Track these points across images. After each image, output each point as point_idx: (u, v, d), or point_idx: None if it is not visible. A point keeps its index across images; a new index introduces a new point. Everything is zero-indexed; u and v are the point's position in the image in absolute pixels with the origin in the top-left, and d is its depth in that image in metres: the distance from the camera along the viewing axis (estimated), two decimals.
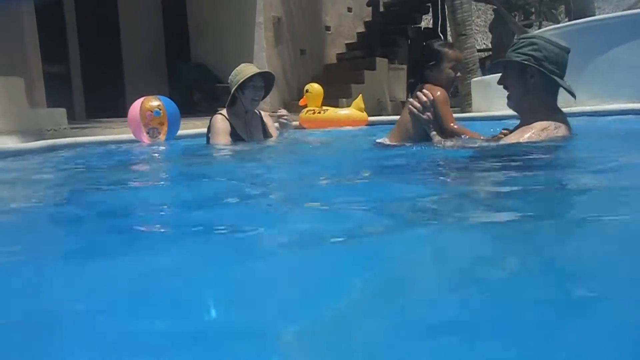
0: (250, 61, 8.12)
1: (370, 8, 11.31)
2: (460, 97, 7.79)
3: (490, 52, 12.41)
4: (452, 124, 2.64)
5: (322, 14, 10.38)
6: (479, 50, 10.15)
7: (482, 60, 9.90)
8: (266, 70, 4.05)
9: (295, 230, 1.31)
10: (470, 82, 7.37)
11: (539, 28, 12.89)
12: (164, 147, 4.07)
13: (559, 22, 18.07)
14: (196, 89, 9.73)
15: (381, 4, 11.74)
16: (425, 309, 0.81)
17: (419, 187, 1.86)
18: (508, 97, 2.37)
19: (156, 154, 3.92)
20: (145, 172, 3.14)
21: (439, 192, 1.77)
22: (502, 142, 2.37)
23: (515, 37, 11.99)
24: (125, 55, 10.22)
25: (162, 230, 1.49)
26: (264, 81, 3.73)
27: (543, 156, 2.11)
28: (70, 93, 9.22)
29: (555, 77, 2.20)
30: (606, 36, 4.96)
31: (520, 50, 2.24)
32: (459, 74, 2.80)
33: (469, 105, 7.42)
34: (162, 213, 1.73)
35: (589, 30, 5.04)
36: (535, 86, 2.24)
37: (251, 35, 8.92)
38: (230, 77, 3.72)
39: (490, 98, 5.82)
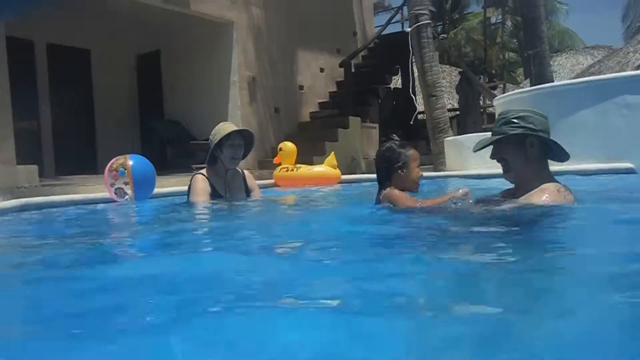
0: (225, 119, 8.17)
1: (342, 69, 11.62)
2: (433, 156, 7.95)
3: (458, 112, 12.83)
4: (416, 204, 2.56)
5: (295, 73, 10.61)
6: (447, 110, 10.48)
7: (450, 120, 10.21)
8: (243, 128, 4.00)
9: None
10: (442, 142, 7.55)
11: (504, 89, 13.46)
12: (135, 207, 3.95)
13: (518, 84, 19.06)
14: (170, 146, 9.68)
15: (352, 65, 12.10)
16: None
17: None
18: (505, 171, 2.42)
19: (124, 215, 3.80)
20: (115, 234, 3.01)
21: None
22: (522, 202, 2.33)
23: (481, 97, 12.50)
24: (98, 111, 10.19)
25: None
26: (243, 139, 3.72)
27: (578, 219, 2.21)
28: (40, 149, 9.06)
29: (555, 140, 2.31)
30: (573, 100, 5.19)
31: (512, 124, 2.32)
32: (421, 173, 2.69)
33: (442, 164, 7.55)
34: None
35: (556, 94, 5.27)
36: (535, 154, 2.34)
37: (226, 94, 9.02)
38: (209, 136, 3.70)
39: (463, 156, 5.97)
